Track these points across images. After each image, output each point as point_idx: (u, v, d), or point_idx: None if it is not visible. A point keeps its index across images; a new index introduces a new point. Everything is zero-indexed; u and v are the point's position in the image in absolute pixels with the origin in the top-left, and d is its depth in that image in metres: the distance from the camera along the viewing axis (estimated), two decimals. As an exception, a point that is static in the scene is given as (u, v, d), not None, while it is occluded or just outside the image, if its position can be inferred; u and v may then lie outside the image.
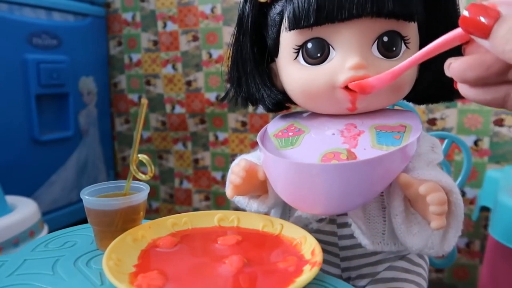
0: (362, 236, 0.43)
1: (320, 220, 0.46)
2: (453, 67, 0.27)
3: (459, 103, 1.11)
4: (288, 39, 0.43)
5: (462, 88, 0.28)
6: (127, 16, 1.52)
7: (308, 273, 0.32)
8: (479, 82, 0.27)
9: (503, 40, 0.23)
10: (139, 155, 0.42)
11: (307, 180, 0.37)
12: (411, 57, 0.34)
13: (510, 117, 1.07)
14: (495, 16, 0.23)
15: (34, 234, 0.94)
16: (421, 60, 0.33)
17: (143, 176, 0.42)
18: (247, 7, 0.45)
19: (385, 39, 0.40)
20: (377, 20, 0.39)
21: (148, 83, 1.53)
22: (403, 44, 0.42)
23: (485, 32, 0.23)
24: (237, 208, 0.49)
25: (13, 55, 1.17)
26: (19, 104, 1.19)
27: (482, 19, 0.23)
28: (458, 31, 0.26)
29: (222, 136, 1.44)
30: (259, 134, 0.46)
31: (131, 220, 0.42)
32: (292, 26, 0.41)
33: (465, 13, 0.24)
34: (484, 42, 0.24)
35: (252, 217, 0.44)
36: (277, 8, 0.43)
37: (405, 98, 0.47)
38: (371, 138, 0.41)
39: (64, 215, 1.36)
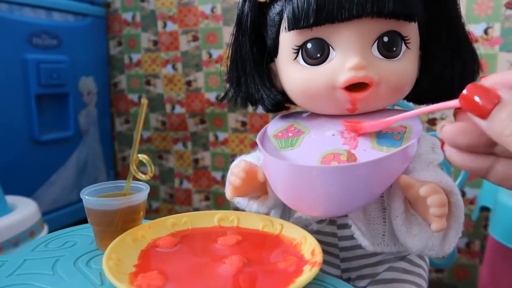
0: (362, 237, 0.43)
1: (320, 221, 0.46)
2: (445, 131, 0.28)
3: (459, 103, 1.11)
4: (288, 39, 0.42)
5: (449, 152, 0.28)
6: (127, 16, 1.52)
7: (308, 273, 0.32)
8: (467, 149, 0.27)
9: (501, 125, 0.23)
10: (139, 155, 0.42)
11: (307, 182, 0.37)
12: (407, 112, 0.36)
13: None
14: (495, 100, 0.23)
15: (34, 234, 0.94)
16: (415, 115, 0.37)
17: (143, 176, 0.42)
18: (246, 7, 0.45)
19: (385, 39, 0.40)
20: (377, 20, 0.39)
21: (148, 83, 1.53)
22: (403, 44, 0.41)
23: (484, 114, 0.24)
24: (237, 208, 0.49)
25: (13, 55, 1.17)
26: (19, 104, 1.19)
27: (482, 101, 0.24)
28: (455, 103, 0.26)
29: (222, 136, 1.44)
30: (258, 135, 0.46)
31: (131, 220, 0.42)
32: (292, 26, 0.40)
33: (465, 92, 0.25)
34: (481, 122, 0.24)
35: (252, 217, 0.44)
36: (277, 8, 0.43)
37: (405, 98, 0.46)
38: (371, 139, 0.41)
39: (64, 215, 1.36)
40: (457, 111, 0.29)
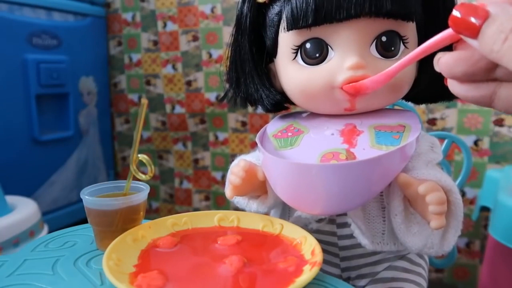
0: (361, 236, 0.43)
1: (320, 220, 0.46)
2: (441, 62, 0.27)
3: (459, 103, 1.11)
4: (287, 40, 0.43)
5: (451, 84, 0.28)
6: (127, 16, 1.52)
7: (308, 273, 0.32)
8: (467, 78, 0.27)
9: (491, 40, 0.23)
10: (139, 155, 0.42)
11: (307, 181, 0.37)
12: (405, 58, 0.35)
13: (510, 117, 1.07)
14: (484, 15, 0.23)
15: (34, 234, 0.94)
16: (414, 60, 0.34)
17: (143, 176, 0.42)
18: (245, 7, 0.45)
19: (384, 39, 0.40)
20: (375, 20, 0.39)
21: (148, 83, 1.53)
22: (401, 44, 0.42)
23: (474, 32, 0.23)
24: (237, 208, 0.49)
25: (13, 55, 1.17)
26: (19, 104, 1.19)
27: (471, 19, 0.23)
28: (449, 31, 0.26)
29: (222, 136, 1.44)
30: (258, 135, 0.46)
31: (131, 220, 0.42)
32: (291, 27, 0.41)
33: (454, 12, 0.24)
34: (473, 42, 0.24)
35: (252, 217, 0.44)
36: (276, 8, 0.43)
37: (404, 98, 0.47)
38: (370, 138, 0.41)
39: (64, 215, 1.36)
40: (455, 45, 0.28)
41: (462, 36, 0.25)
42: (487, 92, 0.26)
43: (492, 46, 0.22)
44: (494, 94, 0.26)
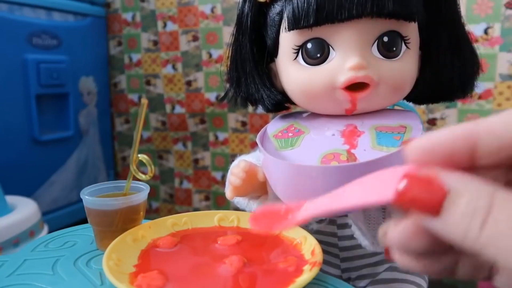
0: (362, 237, 0.43)
1: (320, 221, 0.46)
2: (392, 237, 0.19)
3: (459, 103, 1.11)
4: (288, 39, 0.42)
5: (403, 261, 0.20)
6: (127, 16, 1.52)
7: (308, 273, 0.32)
8: (427, 252, 0.19)
9: (461, 225, 0.16)
10: (139, 155, 0.42)
11: (307, 182, 0.37)
12: (335, 205, 0.25)
13: (510, 117, 1.07)
14: (442, 192, 0.17)
15: (34, 234, 0.94)
16: (349, 210, 0.28)
17: (143, 176, 0.42)
18: (246, 7, 0.45)
19: (385, 39, 0.40)
20: (377, 20, 0.39)
21: (148, 83, 1.53)
22: (403, 44, 0.41)
23: (434, 211, 0.17)
24: (237, 208, 0.49)
25: (13, 55, 1.17)
26: (19, 104, 1.19)
27: (425, 197, 0.17)
28: (388, 196, 0.18)
29: (222, 136, 1.44)
30: (258, 135, 0.46)
31: (131, 220, 0.42)
32: (292, 26, 0.40)
33: (400, 186, 0.17)
34: (432, 223, 0.17)
35: (252, 217, 0.44)
36: (277, 8, 0.43)
37: (405, 98, 0.46)
38: (371, 139, 0.41)
39: (64, 215, 1.36)
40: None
41: (416, 215, 0.18)
42: (450, 263, 0.20)
43: (466, 232, 0.16)
44: (457, 264, 0.20)
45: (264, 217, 0.29)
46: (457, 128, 0.18)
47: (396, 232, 0.19)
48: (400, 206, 0.18)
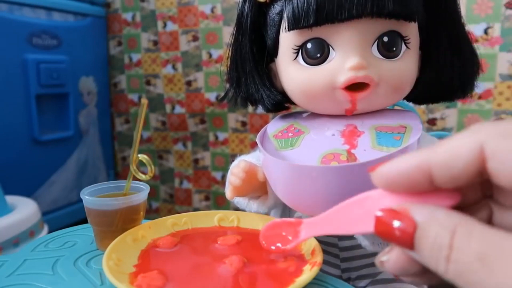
0: (362, 237, 0.43)
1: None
2: (390, 267, 0.21)
3: (459, 103, 1.11)
4: (288, 39, 0.42)
5: (407, 279, 0.22)
6: (127, 16, 1.52)
7: (308, 273, 0.32)
8: (425, 271, 0.20)
9: (432, 258, 0.18)
10: (139, 155, 0.42)
11: (307, 182, 0.37)
12: (330, 230, 0.29)
13: (510, 117, 1.07)
14: (412, 225, 0.18)
15: (34, 234, 0.94)
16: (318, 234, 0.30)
17: (143, 176, 0.42)
18: (246, 7, 0.45)
19: (385, 39, 0.40)
20: (377, 20, 0.39)
21: (148, 83, 1.53)
22: (403, 44, 0.41)
23: (407, 243, 0.18)
24: (237, 208, 0.49)
25: (13, 55, 1.17)
26: (19, 104, 1.19)
27: (398, 231, 0.18)
28: (370, 228, 0.20)
29: (222, 136, 1.44)
30: (258, 135, 0.46)
31: (131, 220, 0.42)
32: (292, 26, 0.40)
33: (378, 213, 0.19)
34: (411, 253, 0.19)
35: (252, 217, 0.44)
36: (276, 8, 0.43)
37: (405, 98, 0.46)
38: (371, 139, 0.41)
39: (64, 215, 1.36)
40: None
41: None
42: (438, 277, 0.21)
43: (436, 266, 0.17)
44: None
45: (272, 235, 0.35)
46: (413, 159, 0.19)
47: (391, 262, 0.20)
48: (378, 233, 0.19)
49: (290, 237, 0.34)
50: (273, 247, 0.35)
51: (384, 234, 0.19)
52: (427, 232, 0.18)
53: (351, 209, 0.25)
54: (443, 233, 0.17)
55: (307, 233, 0.32)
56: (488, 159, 0.17)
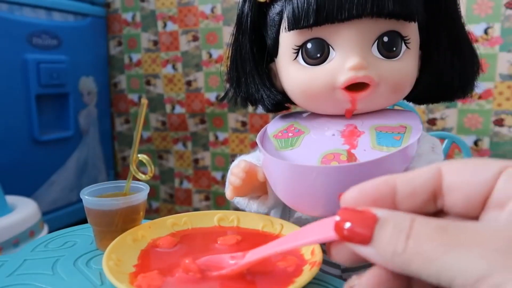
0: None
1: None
2: None
3: (459, 103, 1.11)
4: (288, 39, 0.42)
5: None
6: (127, 16, 1.52)
7: (308, 273, 0.32)
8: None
9: (390, 243, 0.19)
10: (139, 155, 0.42)
11: (307, 182, 0.37)
12: (279, 248, 0.28)
13: (510, 117, 1.08)
14: (373, 219, 0.19)
15: (34, 234, 0.94)
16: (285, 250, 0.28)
17: (143, 176, 0.42)
18: (246, 6, 0.45)
19: (385, 39, 0.40)
20: (377, 20, 0.39)
21: (148, 83, 1.53)
22: (403, 44, 0.41)
23: (366, 239, 0.19)
24: (237, 208, 0.49)
25: (13, 55, 1.17)
26: (19, 104, 1.20)
27: (360, 226, 0.19)
28: (330, 234, 0.21)
29: (222, 136, 1.44)
30: (258, 135, 0.46)
31: (131, 220, 0.42)
32: (292, 26, 0.40)
33: (338, 218, 0.20)
34: (367, 250, 0.19)
35: (252, 217, 0.44)
36: (277, 8, 0.43)
37: (405, 98, 0.46)
38: (371, 139, 0.41)
39: (64, 215, 1.37)
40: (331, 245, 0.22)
41: (353, 245, 0.20)
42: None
43: (394, 247, 0.18)
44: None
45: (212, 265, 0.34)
46: (380, 178, 0.22)
47: (363, 285, 0.21)
48: (340, 238, 0.20)
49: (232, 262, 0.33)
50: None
51: (344, 229, 0.20)
52: (387, 222, 0.19)
53: (304, 229, 0.25)
54: (403, 221, 0.19)
55: (250, 259, 0.31)
56: (444, 174, 0.21)
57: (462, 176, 0.20)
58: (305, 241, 0.24)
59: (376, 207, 0.20)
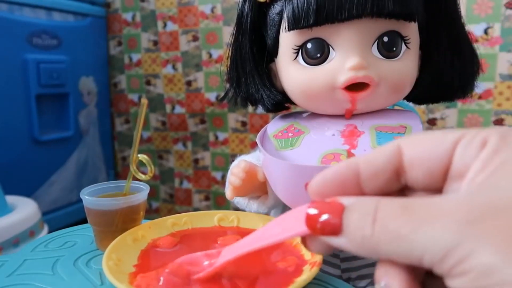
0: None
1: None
2: None
3: (459, 103, 1.11)
4: (288, 39, 0.42)
5: None
6: (127, 16, 1.52)
7: (308, 273, 0.32)
8: None
9: (358, 228, 0.19)
10: (139, 155, 0.42)
11: (307, 182, 0.37)
12: (252, 246, 0.28)
13: (510, 117, 1.07)
14: (340, 208, 0.20)
15: (34, 234, 0.94)
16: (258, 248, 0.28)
17: (143, 176, 0.42)
18: (246, 6, 0.45)
19: (385, 39, 0.40)
20: (377, 20, 0.39)
21: (148, 83, 1.53)
22: (403, 44, 0.41)
23: (337, 228, 0.19)
24: (237, 208, 0.49)
25: (13, 55, 1.17)
26: (19, 104, 1.20)
27: (327, 215, 0.20)
28: (302, 229, 0.21)
29: (222, 136, 1.44)
30: (258, 135, 0.46)
31: (131, 220, 0.42)
32: (292, 26, 0.40)
33: (310, 211, 0.21)
34: (339, 240, 0.20)
35: (252, 217, 0.44)
36: (277, 8, 0.43)
37: (405, 98, 0.46)
38: (371, 139, 0.41)
39: (64, 215, 1.37)
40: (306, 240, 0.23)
41: (325, 237, 0.20)
42: None
43: (362, 232, 0.18)
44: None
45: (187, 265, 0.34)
46: (341, 162, 0.22)
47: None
48: (313, 233, 0.20)
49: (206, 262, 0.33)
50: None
51: (316, 222, 0.20)
52: (354, 208, 0.19)
53: (277, 223, 0.25)
54: (368, 205, 0.19)
55: (224, 258, 0.30)
56: (404, 150, 0.20)
57: (421, 150, 0.20)
58: (281, 237, 0.24)
59: (343, 196, 0.20)
